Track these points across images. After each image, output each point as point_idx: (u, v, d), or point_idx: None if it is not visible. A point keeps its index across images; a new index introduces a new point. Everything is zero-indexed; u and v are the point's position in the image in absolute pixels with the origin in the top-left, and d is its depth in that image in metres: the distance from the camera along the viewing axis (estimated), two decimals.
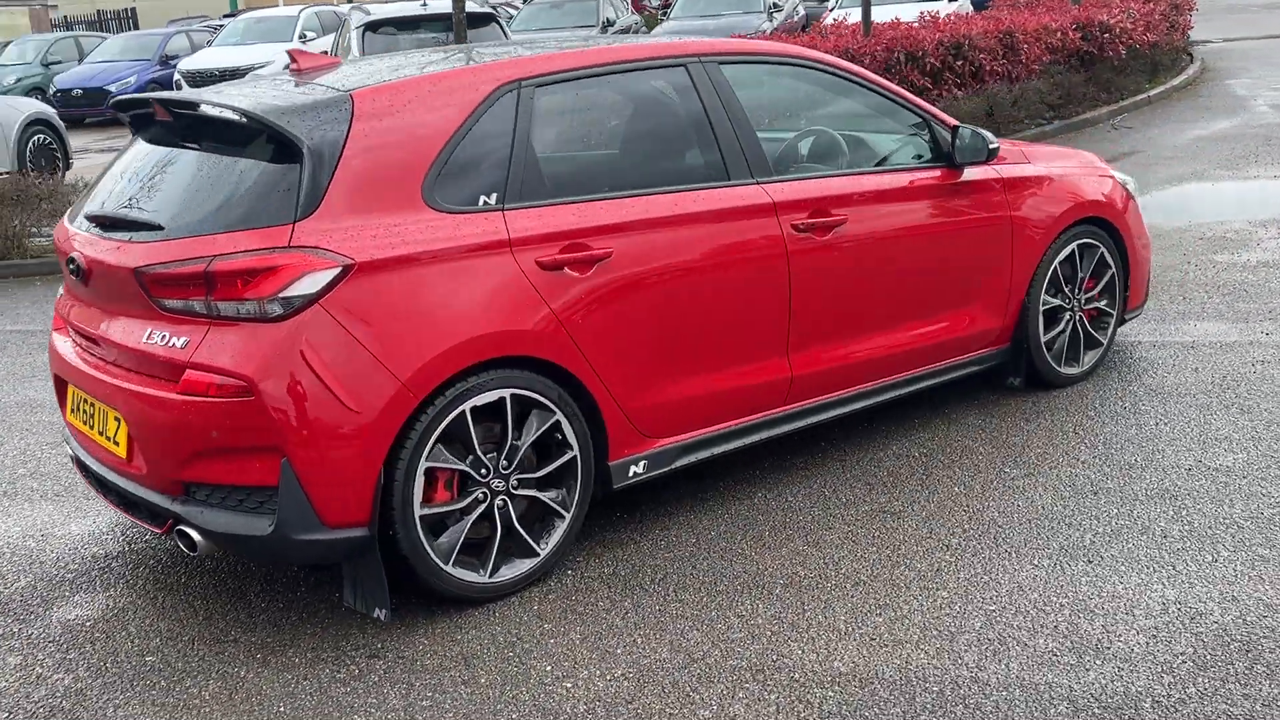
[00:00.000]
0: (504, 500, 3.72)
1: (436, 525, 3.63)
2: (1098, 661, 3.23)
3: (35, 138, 13.76)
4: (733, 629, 3.52)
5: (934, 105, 11.66)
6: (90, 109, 20.59)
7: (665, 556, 4.00)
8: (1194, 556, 3.76)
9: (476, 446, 3.63)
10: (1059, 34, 13.77)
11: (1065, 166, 5.33)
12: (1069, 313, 5.30)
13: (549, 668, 3.37)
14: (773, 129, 4.94)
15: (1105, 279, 5.40)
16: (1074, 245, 5.22)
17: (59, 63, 23.10)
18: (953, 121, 4.88)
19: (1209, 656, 3.21)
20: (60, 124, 14.29)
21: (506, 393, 3.66)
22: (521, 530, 3.76)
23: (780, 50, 4.75)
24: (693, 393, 4.13)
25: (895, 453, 4.74)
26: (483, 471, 3.66)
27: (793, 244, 4.28)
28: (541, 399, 3.74)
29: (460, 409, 3.57)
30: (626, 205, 3.94)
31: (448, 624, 3.64)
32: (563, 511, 3.85)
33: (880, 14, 14.07)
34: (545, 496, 3.81)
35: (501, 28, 12.33)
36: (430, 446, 3.53)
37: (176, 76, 20.11)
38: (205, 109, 3.73)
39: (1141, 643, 3.30)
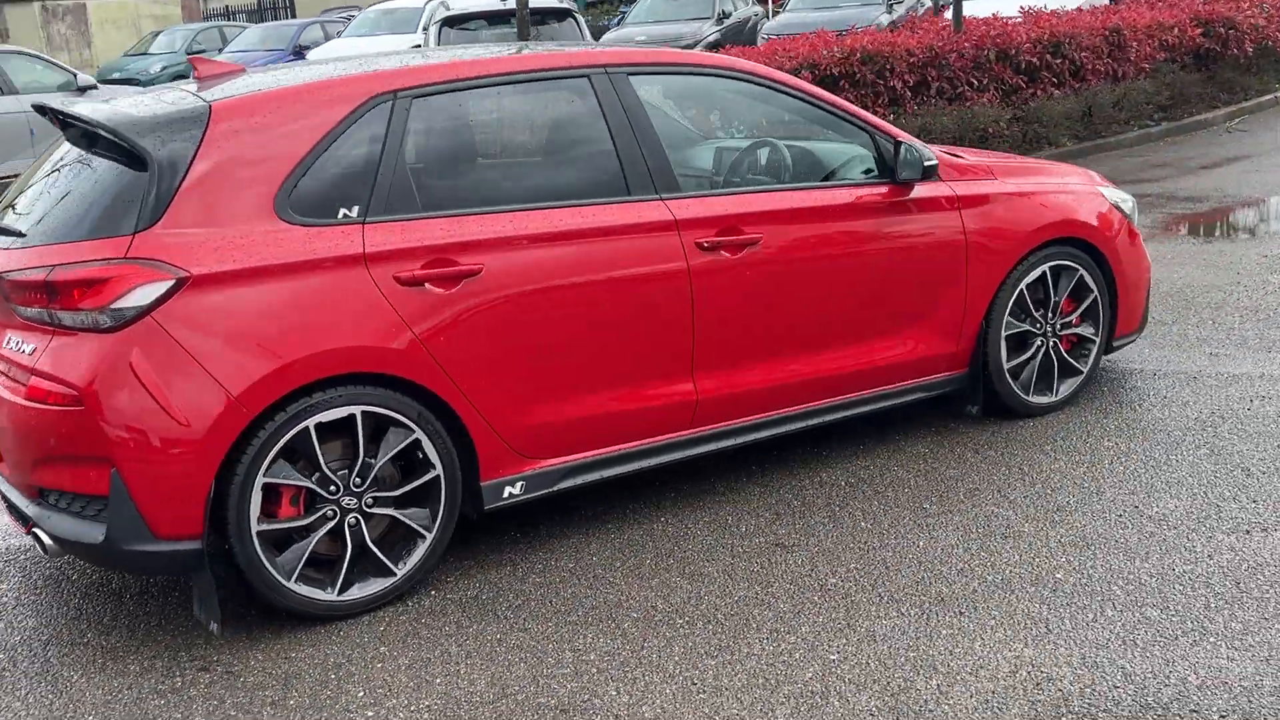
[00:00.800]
0: (356, 519, 3.67)
1: (281, 541, 3.61)
2: None
3: None
4: (562, 663, 3.41)
5: (1027, 104, 11.28)
6: None
7: (534, 581, 3.91)
8: (1074, 613, 3.49)
9: (323, 463, 3.60)
10: (1175, 30, 13.05)
11: (1041, 183, 5.02)
12: (1040, 338, 4.99)
13: (361, 694, 3.32)
14: (701, 142, 4.78)
15: (1087, 303, 5.06)
16: (1045, 267, 4.92)
17: (202, 51, 24.03)
18: (905, 136, 4.63)
19: None
20: None
21: (356, 410, 3.62)
22: (376, 549, 3.72)
23: (706, 61, 4.55)
24: (580, 414, 4.02)
25: (821, 480, 4.54)
26: (332, 489, 3.62)
27: (696, 263, 4.12)
28: (398, 417, 3.68)
29: (303, 425, 3.54)
30: (500, 220, 3.85)
31: (288, 641, 3.62)
32: (424, 532, 3.79)
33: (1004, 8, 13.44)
34: (404, 516, 3.76)
35: (578, 23, 12.27)
36: (269, 462, 3.51)
37: None
38: (72, 119, 3.78)
39: (970, 707, 3.08)
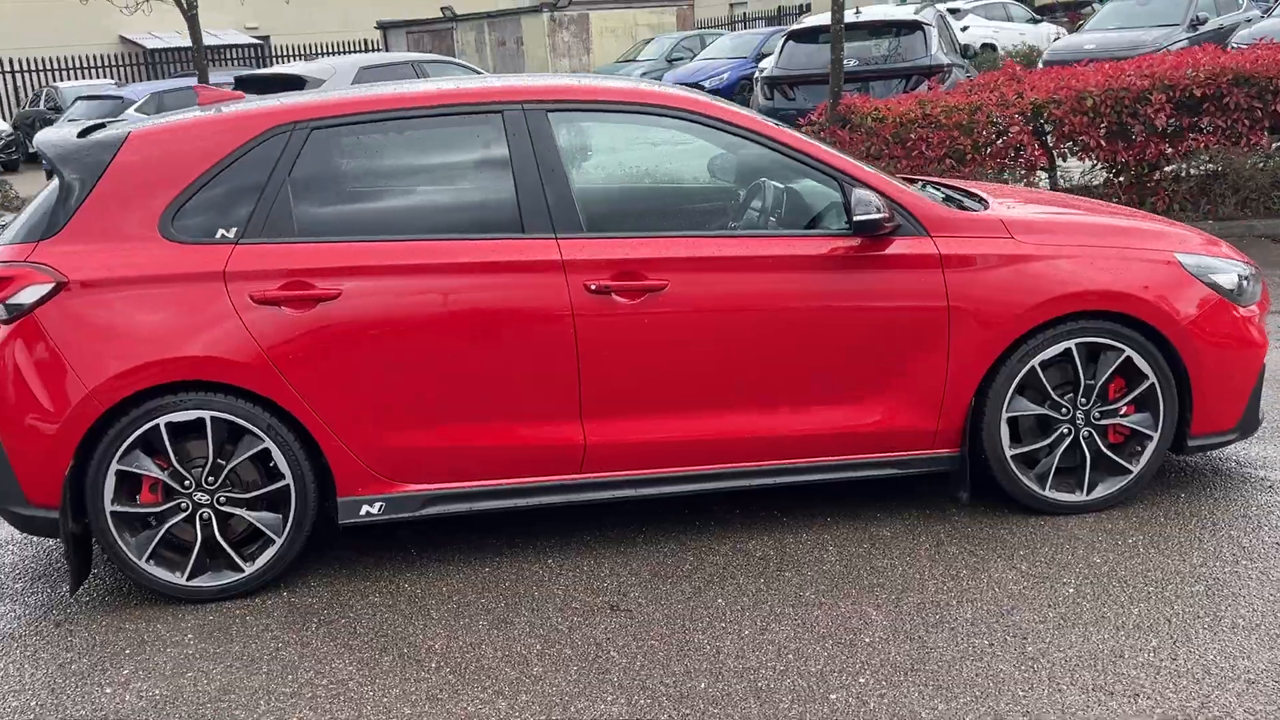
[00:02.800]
0: (208, 514, 4.00)
1: (138, 522, 4.01)
2: None
3: None
4: (301, 687, 3.52)
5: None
6: None
7: (366, 601, 4.02)
8: None
9: (173, 459, 3.95)
10: None
11: (1084, 245, 4.29)
12: (1067, 426, 4.29)
13: (106, 687, 3.60)
14: (638, 183, 4.58)
15: (1140, 390, 4.29)
16: (1071, 343, 4.22)
17: (679, 59, 25.43)
18: (887, 185, 4.19)
19: None
20: None
21: (206, 414, 3.94)
22: (225, 544, 4.02)
23: (647, 97, 4.31)
24: (448, 444, 4.07)
25: (737, 548, 4.25)
26: (185, 483, 3.97)
27: (583, 306, 4.02)
28: (248, 425, 3.96)
29: (154, 423, 3.91)
30: (365, 249, 3.99)
31: (107, 617, 4.00)
32: (274, 536, 4.04)
33: None
34: (253, 517, 4.03)
35: (926, 37, 11.71)
36: (122, 452, 3.92)
37: (756, 74, 21.30)
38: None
39: None
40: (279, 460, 3.98)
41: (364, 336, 3.96)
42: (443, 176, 4.26)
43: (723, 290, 4.11)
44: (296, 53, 30.10)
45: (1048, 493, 4.35)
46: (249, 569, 4.04)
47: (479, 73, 15.25)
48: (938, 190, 4.79)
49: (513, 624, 3.80)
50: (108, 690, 3.55)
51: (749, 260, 4.13)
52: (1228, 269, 4.41)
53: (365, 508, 4.09)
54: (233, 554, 4.03)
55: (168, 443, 3.93)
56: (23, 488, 3.94)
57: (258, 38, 32.41)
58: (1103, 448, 4.34)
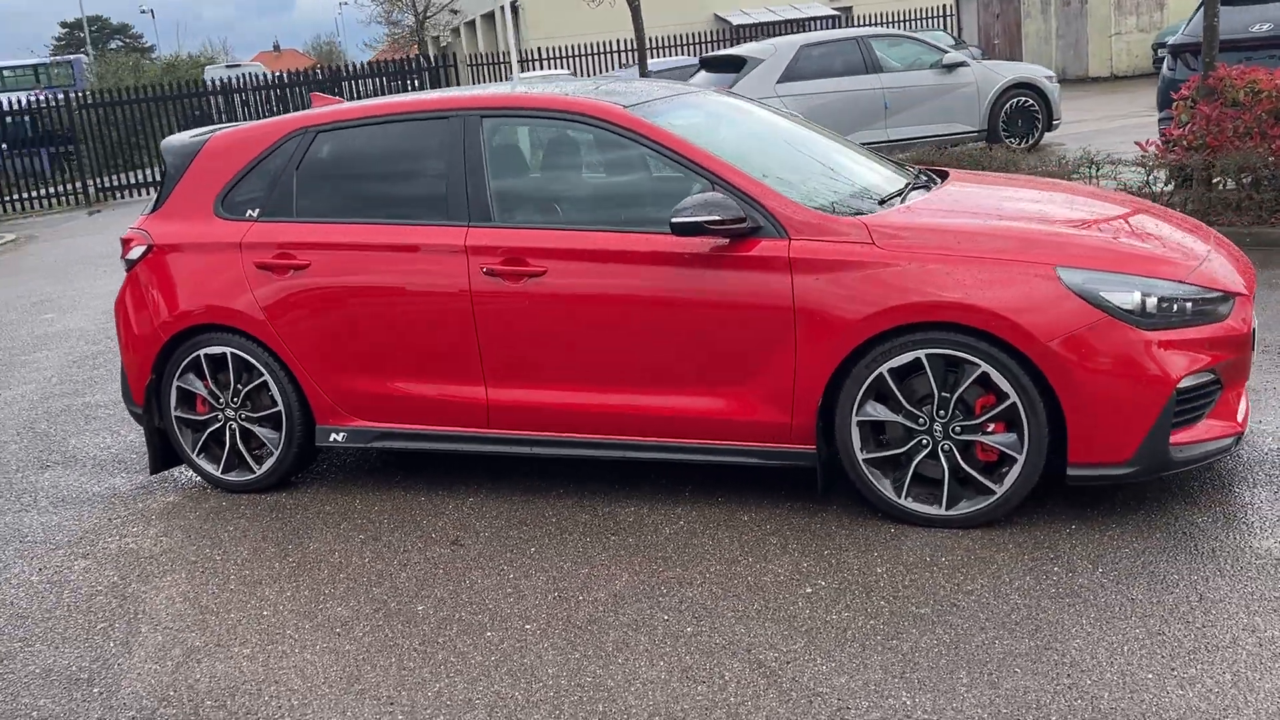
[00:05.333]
0: (234, 426, 5.31)
1: (193, 426, 5.40)
2: None
3: (1015, 100, 15.10)
4: (225, 555, 4.71)
5: None
6: None
7: (296, 511, 5.10)
8: None
9: (211, 383, 5.28)
10: None
11: (950, 251, 4.19)
12: (925, 437, 4.30)
13: (150, 527, 5.02)
14: (550, 180, 5.05)
15: (1001, 408, 4.18)
16: (922, 354, 4.21)
17: None
18: (754, 188, 4.44)
19: None
20: (1050, 88, 15.30)
21: (228, 350, 5.22)
22: (244, 451, 5.30)
23: (564, 105, 4.78)
24: (388, 391, 5.01)
25: (604, 513, 4.75)
26: (219, 401, 5.31)
27: (478, 285, 4.75)
28: (253, 361, 5.19)
29: (196, 353, 5.27)
30: (329, 228, 5.01)
31: (177, 495, 5.43)
32: (272, 449, 5.25)
33: None
34: (260, 432, 5.27)
35: None
36: (179, 372, 5.31)
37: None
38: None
39: None
40: (274, 390, 5.15)
41: (324, 299, 5.00)
42: (401, 171, 5.11)
43: (593, 279, 4.60)
44: (871, 22, 30.98)
45: (903, 501, 4.34)
46: (259, 470, 5.27)
47: (943, 50, 15.22)
48: (921, 178, 5.05)
49: (378, 540, 4.68)
50: (155, 526, 4.96)
51: (618, 253, 4.57)
52: (1128, 287, 4.07)
53: (333, 435, 5.15)
54: (248, 458, 5.29)
55: (206, 369, 5.26)
56: (131, 392, 5.48)
57: (839, 9, 33.72)
58: (962, 464, 4.24)
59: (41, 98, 25.52)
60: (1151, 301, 4.07)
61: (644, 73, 13.90)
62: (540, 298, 4.65)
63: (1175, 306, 4.10)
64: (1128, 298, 4.05)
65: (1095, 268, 4.12)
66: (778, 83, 14.31)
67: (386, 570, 4.37)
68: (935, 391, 4.21)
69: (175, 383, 5.31)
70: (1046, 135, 15.32)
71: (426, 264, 4.82)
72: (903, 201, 4.67)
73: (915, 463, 4.30)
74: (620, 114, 4.69)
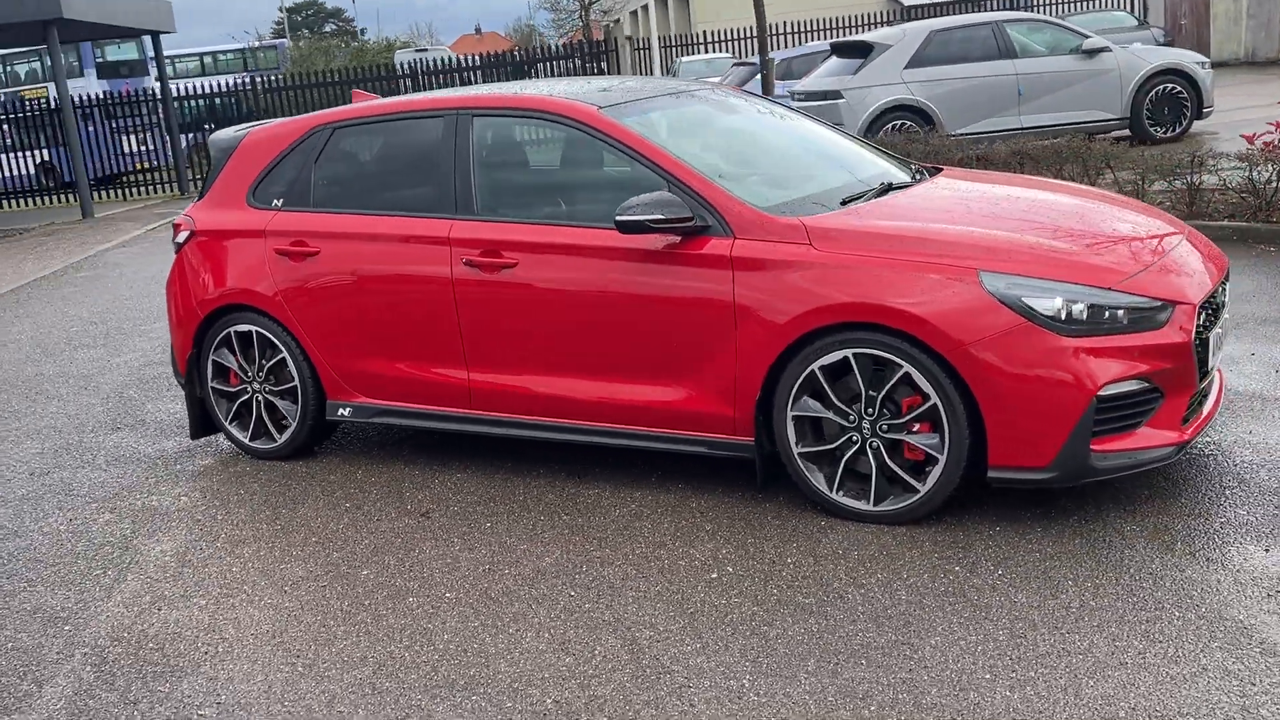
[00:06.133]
0: (260, 398, 5.79)
1: (229, 396, 5.90)
2: None
3: (1161, 87, 14.54)
4: (224, 515, 5.20)
5: None
6: None
7: (295, 480, 5.53)
8: None
9: (239, 356, 5.78)
10: None
11: (878, 253, 4.29)
12: (855, 434, 4.42)
13: (179, 485, 5.56)
14: (529, 177, 5.26)
15: (923, 408, 4.27)
16: (849, 353, 4.33)
17: None
18: (710, 189, 4.61)
19: None
20: (1201, 74, 14.67)
21: (253, 329, 5.70)
22: (268, 422, 5.78)
23: (541, 105, 5.01)
24: (386, 372, 5.39)
25: (568, 494, 5.02)
26: (248, 374, 5.80)
27: (459, 275, 5.07)
28: (274, 339, 5.65)
29: (227, 331, 5.77)
30: (336, 219, 5.42)
31: (206, 458, 5.95)
32: (289, 420, 5.71)
33: None
34: (280, 405, 5.73)
35: None
36: (214, 347, 5.83)
37: None
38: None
39: None
40: (291, 367, 5.60)
41: (331, 284, 5.40)
42: (401, 165, 5.44)
43: (559, 272, 4.86)
44: (1054, 3, 29.95)
45: (834, 495, 4.46)
46: (279, 439, 5.74)
47: (1084, 35, 14.75)
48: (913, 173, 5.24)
49: (360, 509, 5.06)
50: (181, 487, 5.50)
51: (581, 248, 4.81)
52: (1051, 293, 4.09)
53: (340, 410, 5.56)
54: (271, 428, 5.76)
55: (235, 345, 5.75)
56: (178, 364, 6.03)
57: None
58: (889, 461, 4.34)
59: (243, 81, 27.16)
60: (1078, 308, 4.07)
61: (765, 60, 13.96)
62: (512, 288, 4.93)
63: (1107, 314, 4.09)
64: (1049, 303, 4.07)
65: (1019, 272, 4.15)
66: (904, 68, 14.17)
67: (353, 537, 4.74)
68: (863, 390, 4.31)
69: (211, 356, 5.81)
70: (1196, 124, 14.69)
71: (418, 254, 5.16)
72: (876, 200, 4.75)
73: (846, 459, 4.41)
74: (591, 114, 4.92)
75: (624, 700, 3.38)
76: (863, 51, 14.47)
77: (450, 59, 32.15)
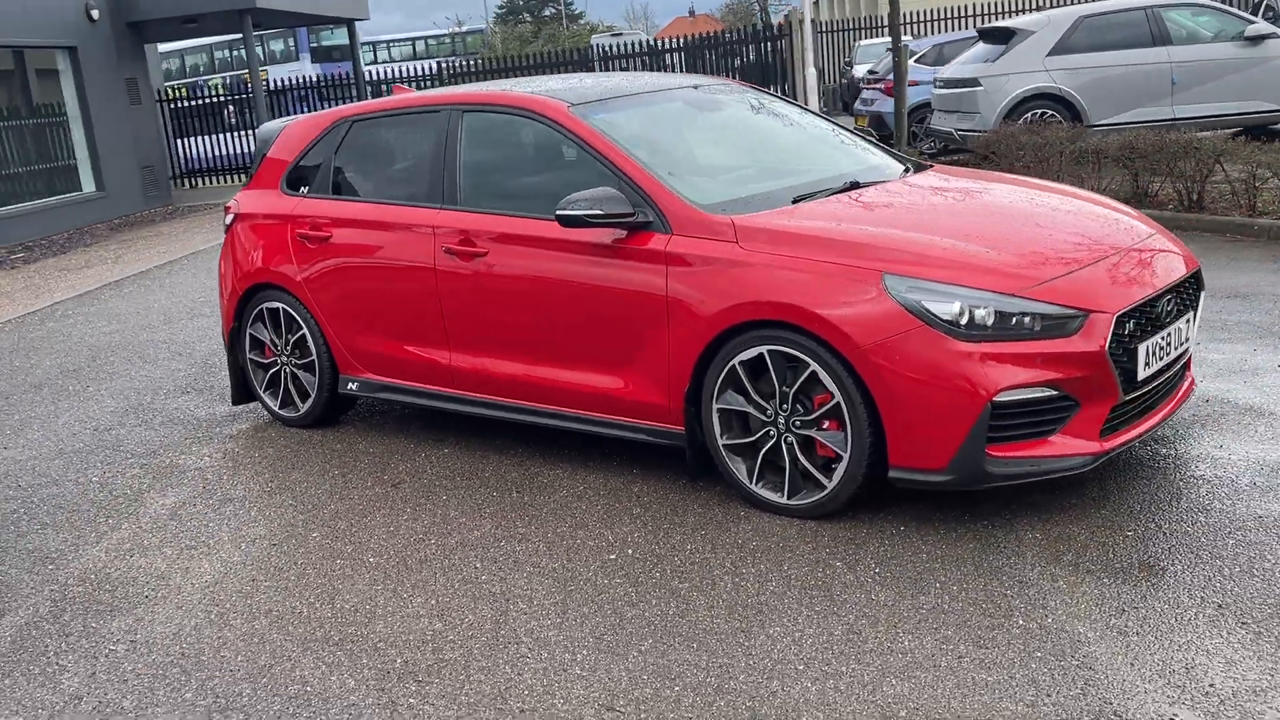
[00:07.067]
0: (287, 370, 6.28)
1: (263, 367, 6.40)
2: None
3: None
4: (242, 463, 5.70)
5: None
6: None
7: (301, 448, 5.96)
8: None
9: (269, 331, 6.27)
10: None
11: (795, 253, 4.38)
12: (771, 428, 4.55)
13: (206, 446, 6.11)
14: (508, 170, 5.46)
15: (828, 407, 4.37)
16: (764, 349, 4.46)
17: None
18: (655, 187, 4.79)
19: None
20: None
21: (280, 306, 6.19)
22: (293, 391, 6.26)
23: (517, 102, 5.26)
24: (387, 351, 5.77)
25: (529, 473, 5.29)
26: (277, 347, 6.29)
27: (440, 263, 5.40)
28: (295, 316, 6.12)
29: (260, 307, 6.28)
30: (348, 206, 5.82)
31: (243, 423, 6.47)
32: (310, 390, 6.17)
33: None
34: (303, 376, 6.20)
35: None
36: (250, 322, 6.34)
37: None
38: None
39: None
40: (310, 340, 6.06)
41: (340, 266, 5.81)
42: (403, 157, 5.80)
43: (522, 261, 5.12)
44: None
45: (754, 487, 4.59)
46: (303, 408, 6.21)
47: (1248, 20, 13.95)
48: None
49: (344, 476, 5.45)
50: (209, 448, 6.06)
51: (541, 239, 5.05)
52: (951, 298, 4.11)
53: (349, 384, 5.99)
54: (296, 398, 6.24)
55: (267, 320, 6.25)
56: (225, 337, 6.58)
57: None
58: (800, 456, 4.45)
59: (435, 66, 28.31)
60: (981, 313, 4.08)
61: (896, 47, 13.78)
62: (483, 276, 5.22)
63: (1014, 320, 4.09)
64: (948, 307, 4.09)
65: (921, 276, 4.17)
66: (1047, 56, 13.73)
67: (323, 502, 5.14)
68: (777, 387, 4.42)
69: (249, 330, 6.32)
70: None
71: (410, 241, 5.51)
72: (825, 199, 4.83)
73: (764, 452, 4.52)
74: (560, 111, 5.15)
75: (464, 665, 3.63)
76: (1005, 38, 14.10)
77: (641, 43, 32.60)
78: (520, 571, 4.25)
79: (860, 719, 3.17)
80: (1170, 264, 4.61)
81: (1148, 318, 4.35)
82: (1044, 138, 10.89)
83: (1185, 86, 13.67)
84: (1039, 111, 13.65)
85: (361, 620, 3.99)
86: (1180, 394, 4.74)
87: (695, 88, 5.84)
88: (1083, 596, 3.69)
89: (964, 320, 4.07)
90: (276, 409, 6.32)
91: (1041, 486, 4.50)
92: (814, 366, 4.29)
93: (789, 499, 4.49)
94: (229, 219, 6.46)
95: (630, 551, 4.33)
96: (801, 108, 6.09)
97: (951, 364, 4.07)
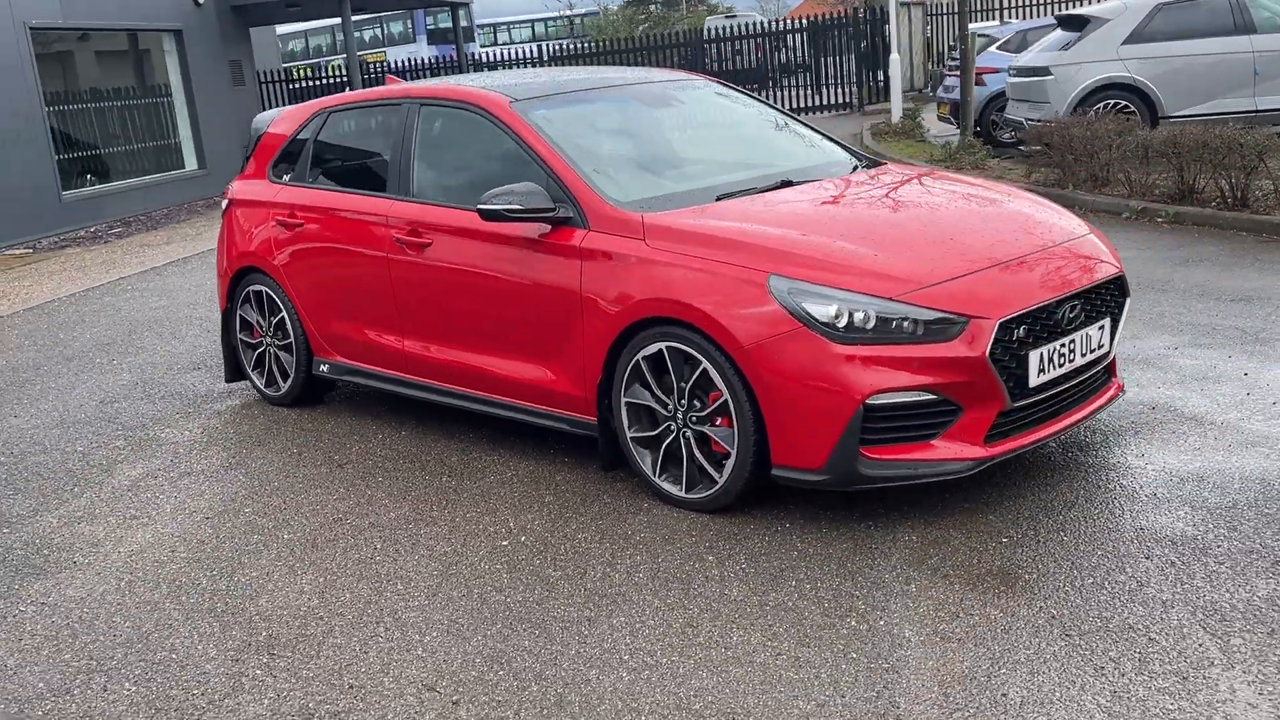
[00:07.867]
0: (271, 351, 6.56)
1: (252, 347, 6.71)
2: None
3: None
4: (216, 434, 6.00)
5: None
6: None
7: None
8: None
9: (256, 313, 6.56)
10: None
11: (694, 252, 4.45)
12: (671, 423, 4.65)
13: (198, 418, 6.45)
14: (460, 163, 5.58)
15: (717, 404, 4.45)
16: (663, 345, 4.56)
17: None
18: (577, 184, 4.90)
19: None
20: None
21: (263, 289, 6.47)
22: (275, 372, 6.55)
23: (466, 97, 5.39)
24: (352, 336, 6.00)
25: (467, 456, 5.46)
26: (262, 329, 6.59)
27: (392, 251, 5.60)
28: (276, 299, 6.40)
29: (246, 290, 6.57)
30: (316, 194, 6.06)
31: (233, 399, 6.78)
32: (289, 370, 6.45)
33: None
34: (283, 357, 6.48)
35: None
36: (240, 303, 6.64)
37: None
38: None
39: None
40: (288, 322, 6.33)
41: (312, 253, 6.07)
42: (371, 147, 6.01)
43: (459, 253, 5.28)
44: None
45: (657, 479, 4.68)
46: (284, 387, 6.49)
47: None
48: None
49: (300, 454, 5.69)
50: (194, 422, 6.39)
51: (475, 231, 5.20)
52: (829, 300, 4.14)
53: (321, 366, 6.24)
54: (279, 378, 6.52)
55: (253, 302, 6.54)
56: (221, 318, 6.91)
57: None
58: (695, 451, 4.53)
59: (551, 47, 28.68)
60: (859, 315, 4.10)
61: (964, 35, 13.52)
62: (427, 265, 5.41)
63: (894, 324, 4.10)
64: (825, 309, 4.12)
65: (804, 278, 4.21)
66: (1122, 44, 13.34)
67: (270, 479, 5.39)
68: (675, 382, 4.50)
69: (239, 311, 6.63)
70: None
71: (369, 230, 5.72)
72: (745, 197, 4.89)
73: (665, 445, 4.61)
74: (500, 105, 5.30)
75: (320, 640, 3.82)
76: (1081, 25, 13.74)
77: (753, 25, 32.41)
78: (414, 554, 4.42)
79: (657, 709, 3.26)
80: (1084, 269, 4.55)
81: (1043, 324, 4.31)
82: (1093, 131, 10.62)
83: (1269, 76, 13.15)
84: (1112, 102, 13.29)
85: (250, 594, 4.21)
86: (1098, 400, 4.68)
87: (652, 83, 5.92)
88: (925, 601, 3.71)
89: (842, 323, 4.10)
90: (262, 387, 6.61)
91: (939, 489, 4.50)
92: (705, 364, 4.36)
93: (686, 492, 4.57)
94: (224, 205, 6.76)
95: (524, 539, 4.47)
96: (764, 103, 6.11)
97: (827, 365, 4.10)
